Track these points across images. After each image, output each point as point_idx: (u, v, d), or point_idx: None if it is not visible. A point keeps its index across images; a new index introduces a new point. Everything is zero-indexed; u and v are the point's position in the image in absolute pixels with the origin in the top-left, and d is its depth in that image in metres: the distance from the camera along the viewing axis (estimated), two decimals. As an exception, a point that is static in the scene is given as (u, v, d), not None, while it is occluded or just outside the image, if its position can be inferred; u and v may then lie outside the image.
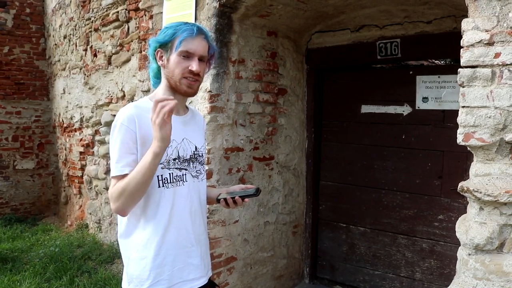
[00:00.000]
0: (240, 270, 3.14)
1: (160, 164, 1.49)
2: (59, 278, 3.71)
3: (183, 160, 1.58)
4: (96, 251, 4.35)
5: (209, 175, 2.83)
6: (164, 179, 1.52)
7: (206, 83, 2.79)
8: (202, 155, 1.68)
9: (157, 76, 1.61)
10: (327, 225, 3.76)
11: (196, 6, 2.81)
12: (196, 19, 2.81)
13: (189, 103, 2.86)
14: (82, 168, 5.22)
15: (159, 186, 1.50)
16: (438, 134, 3.10)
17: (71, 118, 5.41)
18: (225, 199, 1.63)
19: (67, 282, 3.62)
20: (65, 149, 5.82)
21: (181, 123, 1.60)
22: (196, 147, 1.64)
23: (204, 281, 1.64)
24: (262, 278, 3.36)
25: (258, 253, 3.31)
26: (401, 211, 3.32)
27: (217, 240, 2.91)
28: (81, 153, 5.20)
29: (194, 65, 1.50)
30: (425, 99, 3.12)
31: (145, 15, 3.54)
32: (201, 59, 1.53)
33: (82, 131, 5.14)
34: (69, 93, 5.45)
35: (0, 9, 6.02)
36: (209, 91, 2.79)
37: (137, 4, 3.62)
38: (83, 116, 5.04)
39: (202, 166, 1.67)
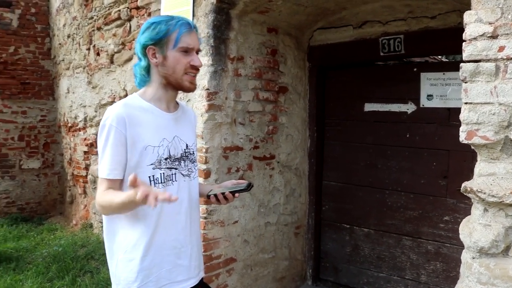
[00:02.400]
0: (240, 272, 3.08)
1: (151, 164, 1.47)
2: (61, 278, 3.69)
3: (174, 159, 1.54)
4: (99, 251, 4.34)
5: (207, 174, 2.78)
6: (156, 179, 1.48)
7: (204, 80, 2.73)
8: (193, 153, 1.64)
9: (146, 75, 1.55)
10: (330, 226, 3.69)
11: (193, 2, 2.76)
12: (193, 15, 2.76)
13: (187, 101, 2.82)
14: (87, 167, 5.22)
15: None
16: (443, 133, 3.01)
17: (75, 118, 5.41)
18: (215, 195, 1.58)
19: (69, 282, 3.61)
20: (70, 149, 5.84)
21: (172, 120, 1.56)
22: (187, 144, 1.60)
23: (193, 282, 1.60)
24: (263, 280, 3.30)
25: (259, 255, 3.25)
26: (405, 212, 3.23)
27: (215, 240, 2.86)
28: (85, 152, 5.21)
29: (196, 60, 1.50)
30: (429, 97, 3.03)
31: (146, 13, 3.50)
32: (197, 52, 1.53)
33: (86, 131, 5.14)
34: (73, 93, 5.45)
35: (6, 9, 6.05)
36: (206, 89, 2.74)
37: (138, 3, 3.59)
38: (87, 116, 5.03)
39: (193, 164, 1.63)
